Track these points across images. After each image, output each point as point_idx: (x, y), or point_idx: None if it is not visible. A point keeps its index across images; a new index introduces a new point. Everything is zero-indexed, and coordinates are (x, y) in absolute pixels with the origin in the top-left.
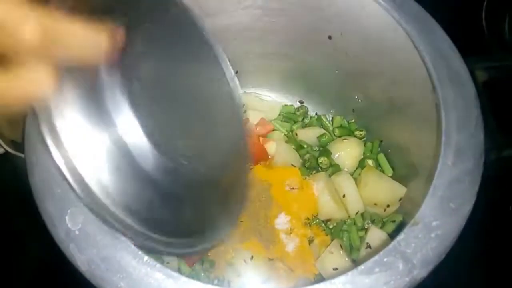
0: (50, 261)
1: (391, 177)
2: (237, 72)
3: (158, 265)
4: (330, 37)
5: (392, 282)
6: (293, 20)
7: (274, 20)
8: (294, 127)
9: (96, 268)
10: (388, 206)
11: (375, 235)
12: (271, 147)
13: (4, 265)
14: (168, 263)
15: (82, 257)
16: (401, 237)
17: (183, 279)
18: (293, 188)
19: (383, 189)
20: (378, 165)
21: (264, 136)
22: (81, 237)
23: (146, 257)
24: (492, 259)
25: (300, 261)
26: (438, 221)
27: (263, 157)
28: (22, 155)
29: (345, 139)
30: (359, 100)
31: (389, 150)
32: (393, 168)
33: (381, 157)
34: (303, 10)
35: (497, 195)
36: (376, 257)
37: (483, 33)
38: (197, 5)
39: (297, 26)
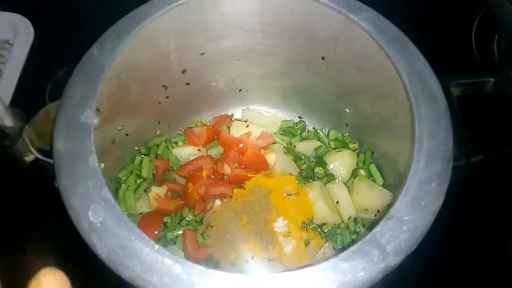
0: (75, 250)
1: (382, 185)
2: (240, 90)
3: (167, 253)
4: (323, 58)
5: (368, 268)
6: (290, 43)
7: (272, 43)
8: (293, 140)
9: (115, 255)
10: (378, 211)
11: None
12: (271, 158)
13: (36, 253)
14: None
15: (102, 246)
16: (377, 229)
17: (189, 263)
18: (290, 195)
19: (373, 196)
20: (370, 174)
21: (265, 148)
22: (102, 229)
23: (157, 246)
24: (459, 252)
25: (297, 261)
26: (409, 216)
27: (263, 166)
28: (51, 161)
29: (339, 151)
30: (352, 115)
31: (380, 161)
32: (383, 177)
33: (373, 167)
34: (298, 34)
35: (466, 195)
36: (355, 246)
37: (473, 54)
38: (204, 29)
39: (293, 48)
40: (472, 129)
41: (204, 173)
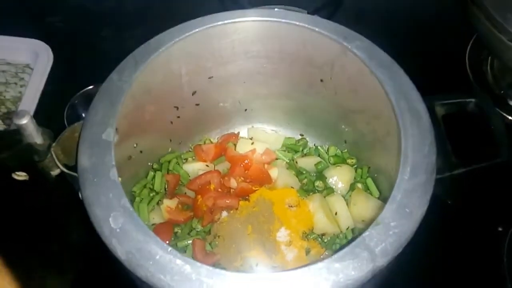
0: (96, 253)
1: (378, 198)
2: (246, 110)
3: (179, 254)
4: (321, 80)
5: (358, 267)
6: (291, 67)
7: (275, 67)
8: (295, 156)
9: (133, 257)
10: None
11: None
12: (274, 172)
13: (61, 257)
14: None
15: (122, 249)
16: (366, 233)
17: (198, 264)
18: (291, 206)
19: (369, 208)
20: (367, 188)
21: (269, 163)
22: (121, 234)
23: (169, 248)
24: (442, 255)
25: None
26: (395, 222)
27: (267, 181)
28: (75, 174)
29: (338, 166)
30: (349, 133)
31: (376, 175)
32: (379, 190)
33: (369, 181)
34: (298, 59)
35: (448, 203)
36: (347, 249)
37: (467, 75)
38: (213, 56)
39: (294, 72)
40: (455, 144)
41: (212, 187)
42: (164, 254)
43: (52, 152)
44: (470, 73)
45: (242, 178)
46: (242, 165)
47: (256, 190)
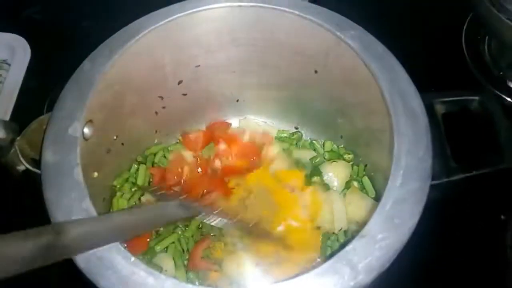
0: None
1: (373, 198)
2: (237, 100)
3: (142, 265)
4: (316, 71)
5: (339, 285)
6: (282, 56)
7: (266, 57)
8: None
9: (93, 266)
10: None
11: None
12: (273, 149)
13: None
14: (166, 271)
15: (82, 256)
16: (349, 247)
17: (162, 277)
18: (293, 191)
19: (364, 209)
20: (362, 187)
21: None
22: None
23: (133, 258)
24: (445, 244)
25: (304, 247)
26: (382, 234)
27: (255, 153)
28: (39, 171)
29: (334, 161)
30: (345, 127)
31: (372, 174)
32: (376, 190)
33: (366, 180)
34: (289, 49)
35: (445, 213)
36: (326, 264)
37: (463, 55)
38: (198, 43)
39: (286, 61)
40: (455, 146)
41: (186, 170)
42: (126, 265)
43: (16, 147)
44: (466, 54)
45: (230, 158)
46: (227, 142)
47: (247, 168)
